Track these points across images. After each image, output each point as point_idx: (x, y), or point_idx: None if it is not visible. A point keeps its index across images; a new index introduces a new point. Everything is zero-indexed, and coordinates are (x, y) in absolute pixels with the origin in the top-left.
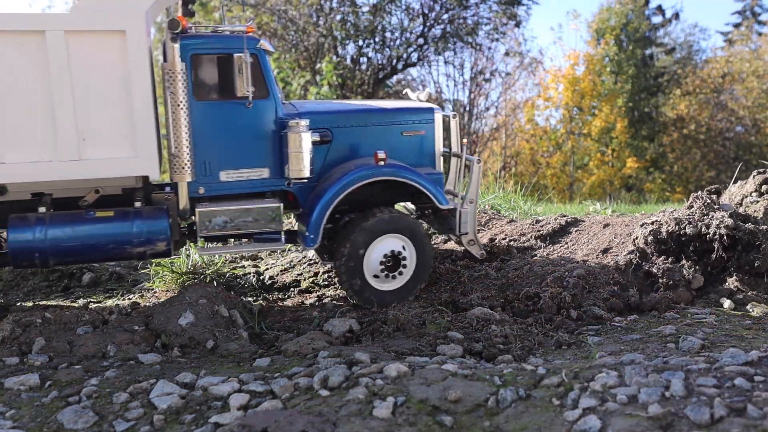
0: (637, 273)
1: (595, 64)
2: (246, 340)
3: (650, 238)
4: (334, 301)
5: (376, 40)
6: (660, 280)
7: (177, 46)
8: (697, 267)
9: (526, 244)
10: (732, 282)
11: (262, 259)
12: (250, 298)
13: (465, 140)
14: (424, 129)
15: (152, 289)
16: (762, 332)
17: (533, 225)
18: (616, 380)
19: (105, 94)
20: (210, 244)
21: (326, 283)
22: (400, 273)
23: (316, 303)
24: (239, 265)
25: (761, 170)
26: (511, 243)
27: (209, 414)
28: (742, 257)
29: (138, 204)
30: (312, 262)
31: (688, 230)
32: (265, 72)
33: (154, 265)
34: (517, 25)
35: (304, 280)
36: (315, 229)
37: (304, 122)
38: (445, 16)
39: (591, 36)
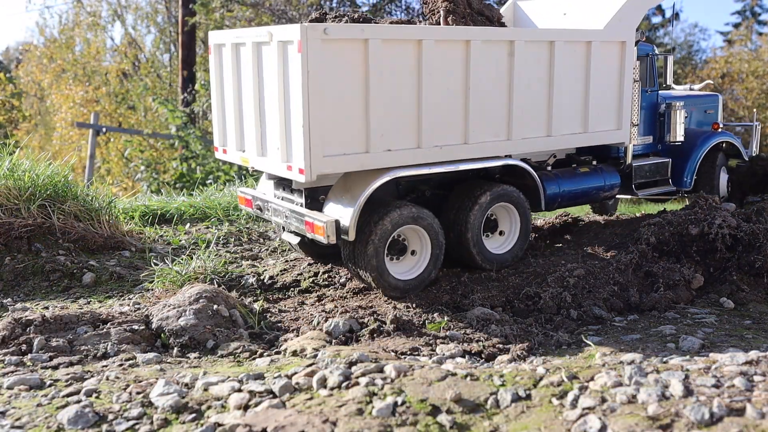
0: (637, 273)
1: None
2: (246, 340)
3: (652, 239)
4: (334, 301)
5: None
6: (660, 280)
7: (636, 49)
8: (698, 267)
9: None
10: (732, 282)
11: (262, 259)
12: (250, 298)
13: (756, 110)
14: (714, 108)
15: (152, 289)
16: (762, 332)
17: (533, 224)
18: (616, 380)
19: (604, 86)
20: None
21: (326, 283)
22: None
23: (316, 303)
24: (239, 265)
25: None
26: None
27: (209, 414)
28: (742, 257)
29: (594, 163)
30: (312, 262)
31: (691, 230)
32: (653, 69)
33: (154, 266)
34: None
35: (304, 280)
36: (690, 174)
37: (682, 103)
38: None
39: None
